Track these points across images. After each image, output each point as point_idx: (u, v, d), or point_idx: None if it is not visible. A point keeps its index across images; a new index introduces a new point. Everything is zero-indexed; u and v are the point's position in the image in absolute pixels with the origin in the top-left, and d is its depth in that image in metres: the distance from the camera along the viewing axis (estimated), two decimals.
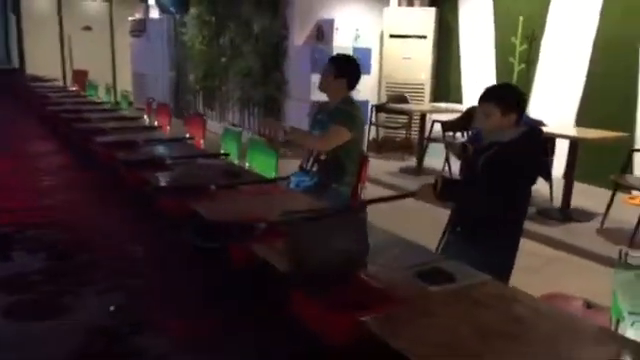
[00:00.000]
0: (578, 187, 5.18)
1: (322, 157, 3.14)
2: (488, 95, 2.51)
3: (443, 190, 2.35)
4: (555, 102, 6.37)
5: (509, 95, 2.52)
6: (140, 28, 12.23)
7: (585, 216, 5.03)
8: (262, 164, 3.47)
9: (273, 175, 3.24)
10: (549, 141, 5.24)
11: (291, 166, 3.47)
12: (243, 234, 1.90)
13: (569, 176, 5.07)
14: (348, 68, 3.18)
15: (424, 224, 3.10)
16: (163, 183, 2.64)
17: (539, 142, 2.63)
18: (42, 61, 12.03)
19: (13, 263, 1.99)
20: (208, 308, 1.69)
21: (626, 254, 1.70)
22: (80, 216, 2.59)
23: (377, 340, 1.34)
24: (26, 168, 3.50)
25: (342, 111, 3.12)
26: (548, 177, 5.09)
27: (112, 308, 1.66)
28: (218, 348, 1.47)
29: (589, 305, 2.06)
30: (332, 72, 3.15)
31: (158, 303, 1.75)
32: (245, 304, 1.69)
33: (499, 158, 2.42)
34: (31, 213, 2.56)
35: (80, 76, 11.00)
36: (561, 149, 5.38)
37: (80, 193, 3.00)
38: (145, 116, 6.14)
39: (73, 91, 8.33)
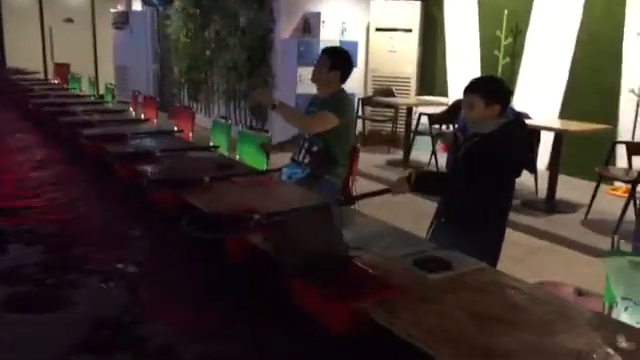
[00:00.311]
0: (562, 179, 5.25)
1: (314, 149, 3.15)
2: (472, 86, 2.54)
3: (417, 182, 2.39)
4: (539, 95, 6.44)
5: (493, 87, 2.54)
6: (123, 20, 12.11)
7: (569, 207, 5.12)
8: (253, 157, 3.48)
9: (264, 168, 3.25)
10: (534, 133, 5.30)
11: (281, 159, 3.48)
12: (240, 225, 1.91)
13: (554, 168, 5.14)
14: (342, 61, 3.20)
15: (411, 216, 3.14)
16: (156, 176, 2.64)
17: (521, 134, 2.63)
18: (23, 54, 11.85)
19: (9, 256, 1.97)
20: (207, 300, 1.70)
21: (619, 241, 1.74)
22: (73, 209, 2.58)
23: (377, 327, 1.36)
24: (15, 162, 3.47)
25: (332, 100, 3.14)
26: (533, 169, 5.16)
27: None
28: (218, 339, 1.48)
29: (580, 292, 2.10)
30: (326, 64, 3.15)
31: (156, 295, 1.76)
32: (242, 296, 1.71)
33: (478, 149, 2.45)
34: (25, 207, 2.54)
35: (62, 69, 10.87)
36: (545, 141, 5.46)
37: (72, 186, 2.99)
38: (131, 109, 6.11)
39: (56, 84, 8.24)
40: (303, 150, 3.19)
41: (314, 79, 3.24)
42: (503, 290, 1.58)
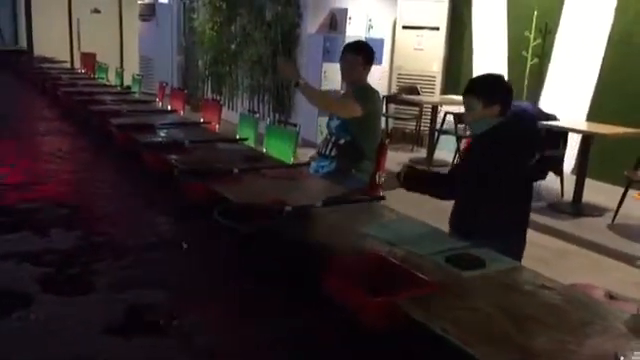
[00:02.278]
0: (588, 183, 5.18)
1: (341, 141, 3.15)
2: (470, 87, 2.49)
3: (406, 181, 2.36)
4: (567, 97, 6.36)
5: (491, 87, 2.48)
6: (149, 12, 12.22)
7: (596, 211, 5.05)
8: (281, 151, 3.48)
9: (291, 161, 3.25)
10: (561, 135, 5.25)
11: (308, 154, 3.48)
12: (272, 216, 1.92)
13: (581, 170, 5.08)
14: (371, 54, 3.20)
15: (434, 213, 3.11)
16: (186, 166, 2.65)
17: (519, 135, 2.47)
18: (50, 43, 11.97)
19: (46, 239, 2.00)
20: (234, 288, 1.71)
21: None
22: (105, 196, 2.61)
23: (411, 322, 1.36)
24: (46, 150, 3.53)
25: (358, 89, 3.13)
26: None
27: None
28: (243, 329, 1.48)
29: (611, 296, 2.08)
30: (361, 61, 3.14)
31: (184, 283, 1.77)
32: (276, 286, 1.71)
33: (473, 150, 2.40)
34: (57, 192, 2.58)
35: (88, 59, 10.97)
36: (572, 144, 5.39)
37: (103, 174, 3.03)
38: (157, 100, 6.15)
39: (83, 73, 8.33)
40: (330, 143, 3.19)
41: (349, 78, 3.20)
42: (538, 290, 1.57)
